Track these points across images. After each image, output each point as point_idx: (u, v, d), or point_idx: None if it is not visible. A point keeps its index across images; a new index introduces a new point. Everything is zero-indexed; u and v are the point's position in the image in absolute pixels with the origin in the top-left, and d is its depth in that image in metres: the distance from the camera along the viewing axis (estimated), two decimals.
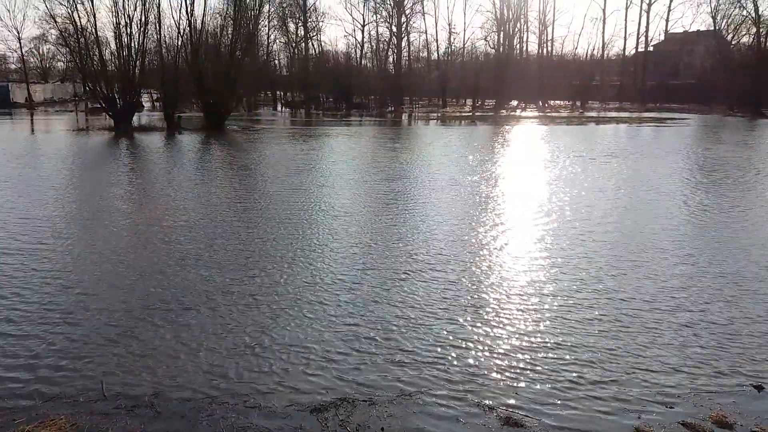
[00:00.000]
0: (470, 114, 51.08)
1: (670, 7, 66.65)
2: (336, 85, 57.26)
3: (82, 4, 30.60)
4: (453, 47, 72.28)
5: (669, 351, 5.36)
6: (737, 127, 34.78)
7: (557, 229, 9.94)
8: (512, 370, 5.00)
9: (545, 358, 5.23)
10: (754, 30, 53.39)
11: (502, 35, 65.16)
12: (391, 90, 58.76)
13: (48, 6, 44.41)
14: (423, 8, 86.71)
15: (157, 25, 32.38)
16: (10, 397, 4.52)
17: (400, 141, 27.29)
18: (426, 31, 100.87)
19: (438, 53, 72.37)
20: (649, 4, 66.30)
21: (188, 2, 32.39)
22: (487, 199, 12.72)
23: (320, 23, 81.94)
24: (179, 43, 33.43)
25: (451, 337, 5.62)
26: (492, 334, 5.73)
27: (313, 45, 67.01)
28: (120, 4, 30.77)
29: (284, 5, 63.22)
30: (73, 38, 32.04)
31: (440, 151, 22.37)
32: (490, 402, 4.49)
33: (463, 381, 4.81)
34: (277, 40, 67.03)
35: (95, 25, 31.26)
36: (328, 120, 42.80)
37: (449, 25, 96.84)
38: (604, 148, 23.17)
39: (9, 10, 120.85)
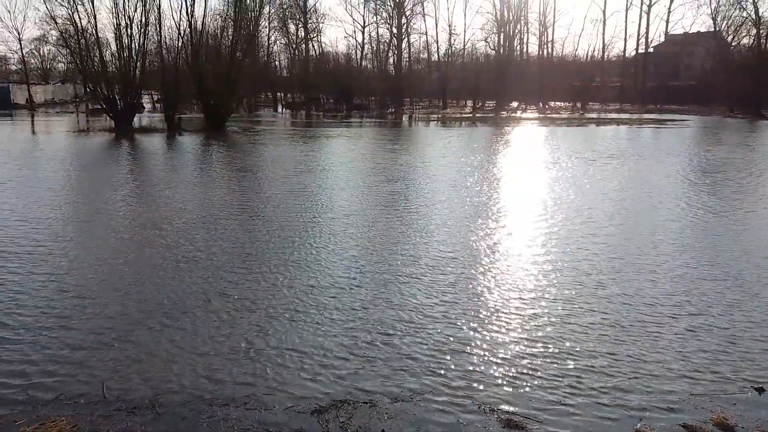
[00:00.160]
0: (470, 115, 51.11)
1: (670, 8, 66.82)
2: (336, 86, 57.25)
3: (83, 5, 30.69)
4: (453, 48, 72.49)
5: (670, 354, 5.35)
6: (737, 129, 34.78)
7: (558, 232, 9.93)
8: (513, 374, 4.99)
9: (546, 361, 5.21)
10: (754, 31, 53.51)
11: (502, 36, 65.32)
12: (391, 91, 58.75)
13: (48, 7, 44.36)
14: (423, 9, 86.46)
15: (158, 26, 32.51)
16: (10, 400, 4.50)
17: (400, 142, 27.29)
18: (426, 32, 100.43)
19: (438, 54, 72.59)
20: (649, 6, 66.52)
21: (189, 3, 32.50)
22: (487, 201, 12.70)
23: (320, 24, 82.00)
24: (180, 45, 33.54)
25: (451, 339, 5.62)
26: (492, 337, 5.72)
27: (313, 46, 67.19)
28: (120, 5, 30.89)
29: (284, 6, 63.43)
30: (73, 39, 32.07)
31: (440, 153, 22.37)
32: (491, 406, 4.48)
33: (463, 385, 4.80)
34: (278, 42, 67.26)
35: (96, 26, 31.31)
36: (329, 121, 42.80)
37: (449, 26, 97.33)
38: (604, 150, 23.16)
39: (9, 12, 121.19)
